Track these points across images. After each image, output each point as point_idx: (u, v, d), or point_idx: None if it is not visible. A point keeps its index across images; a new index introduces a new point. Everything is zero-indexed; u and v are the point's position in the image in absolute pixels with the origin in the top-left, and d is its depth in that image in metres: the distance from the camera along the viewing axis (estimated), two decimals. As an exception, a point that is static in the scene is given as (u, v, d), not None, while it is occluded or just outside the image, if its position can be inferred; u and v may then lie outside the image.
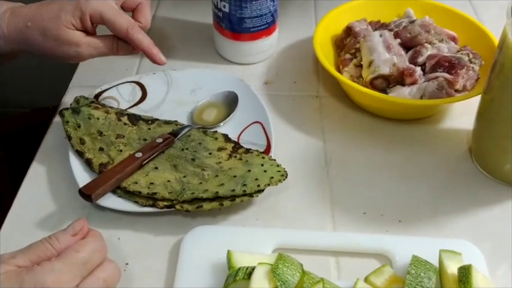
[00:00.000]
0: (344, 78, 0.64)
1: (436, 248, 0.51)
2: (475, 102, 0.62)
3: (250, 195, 0.54)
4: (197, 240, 0.53)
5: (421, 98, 0.63)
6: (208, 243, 0.52)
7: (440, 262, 0.49)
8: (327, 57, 0.67)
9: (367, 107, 0.68)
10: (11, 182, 1.03)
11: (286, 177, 0.56)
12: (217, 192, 0.54)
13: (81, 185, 0.56)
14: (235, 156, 0.59)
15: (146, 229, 0.55)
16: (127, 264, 0.52)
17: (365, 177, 0.61)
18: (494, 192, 0.60)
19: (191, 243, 0.52)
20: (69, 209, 0.57)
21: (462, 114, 0.69)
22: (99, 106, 0.63)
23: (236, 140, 0.63)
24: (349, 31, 0.72)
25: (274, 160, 0.58)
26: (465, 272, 0.46)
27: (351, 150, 0.64)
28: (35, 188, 0.59)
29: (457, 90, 0.64)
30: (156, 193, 0.54)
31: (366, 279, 0.49)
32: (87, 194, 0.53)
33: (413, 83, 0.64)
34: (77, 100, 0.64)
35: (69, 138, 0.60)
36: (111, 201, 0.56)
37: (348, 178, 0.61)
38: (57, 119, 0.68)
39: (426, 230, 0.56)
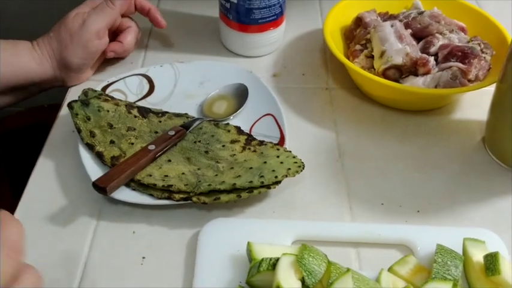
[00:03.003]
0: (358, 69, 0.63)
1: (457, 237, 0.50)
2: (485, 92, 0.62)
3: (268, 186, 0.53)
4: (215, 233, 0.52)
5: (435, 87, 0.63)
6: (227, 236, 0.51)
7: (465, 250, 0.49)
8: (336, 49, 0.66)
9: (378, 98, 0.67)
10: (8, 181, 1.01)
11: (303, 168, 0.55)
12: (234, 184, 0.52)
13: (93, 178, 0.54)
14: (249, 149, 0.58)
15: (161, 222, 0.54)
16: (144, 258, 0.51)
17: (380, 169, 0.60)
18: (510, 182, 0.59)
19: (209, 235, 0.51)
20: (81, 203, 0.56)
21: (473, 104, 0.68)
22: (109, 98, 0.62)
23: (248, 133, 0.62)
24: (359, 22, 0.71)
25: (290, 152, 0.57)
26: (492, 260, 0.45)
27: (364, 142, 0.64)
28: (44, 183, 0.58)
29: (469, 80, 0.64)
30: (171, 185, 0.53)
31: (390, 269, 0.48)
32: (101, 186, 0.52)
33: (427, 73, 0.64)
34: (85, 92, 0.62)
35: (79, 131, 0.58)
36: (125, 194, 0.54)
37: (363, 170, 0.60)
38: (62, 112, 0.66)
39: (445, 220, 0.55)
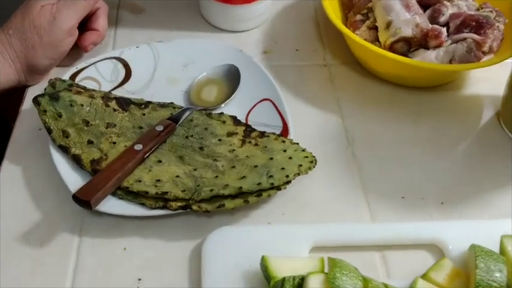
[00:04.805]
0: (365, 43, 0.56)
1: (490, 231, 0.46)
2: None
3: (278, 188, 0.46)
4: (221, 245, 0.45)
5: (450, 61, 0.57)
6: (235, 248, 0.45)
7: (503, 250, 0.44)
8: (337, 20, 0.59)
9: (385, 75, 0.61)
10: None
11: (315, 163, 0.49)
12: (241, 187, 0.45)
13: (71, 186, 0.46)
14: (250, 142, 0.51)
15: (156, 235, 0.47)
16: (140, 280, 0.44)
17: (395, 156, 0.54)
18: (531, 162, 0.55)
19: (214, 248, 0.44)
20: (58, 217, 0.47)
21: (483, 77, 0.63)
22: (81, 90, 0.53)
23: (245, 122, 0.54)
24: (358, -12, 0.63)
25: (297, 144, 0.50)
26: (539, 261, 0.41)
27: (374, 125, 0.57)
28: (12, 195, 0.49)
29: (483, 52, 0.58)
30: (166, 192, 0.46)
31: (425, 276, 0.43)
32: (84, 200, 0.44)
33: (439, 45, 0.57)
34: (52, 83, 0.53)
35: (49, 131, 0.50)
36: (112, 204, 0.46)
37: (377, 158, 0.54)
38: (25, 106, 0.57)
39: (471, 210, 0.50)
